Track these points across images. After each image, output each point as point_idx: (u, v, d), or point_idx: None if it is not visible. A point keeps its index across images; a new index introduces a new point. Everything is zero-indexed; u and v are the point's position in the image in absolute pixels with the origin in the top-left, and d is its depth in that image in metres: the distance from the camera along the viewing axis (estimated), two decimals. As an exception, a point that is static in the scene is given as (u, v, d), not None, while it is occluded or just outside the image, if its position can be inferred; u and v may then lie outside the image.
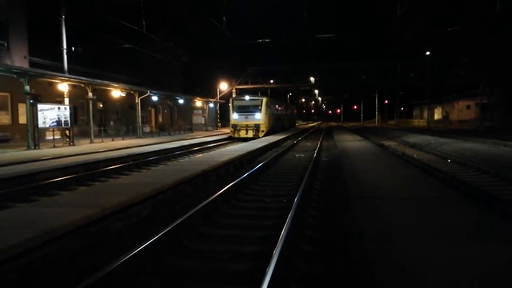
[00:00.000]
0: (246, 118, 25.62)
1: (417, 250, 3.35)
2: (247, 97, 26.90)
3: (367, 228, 4.05)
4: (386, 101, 78.77)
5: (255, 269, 3.80)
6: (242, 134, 25.38)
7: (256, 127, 25.42)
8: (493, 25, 29.11)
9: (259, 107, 25.87)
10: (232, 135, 25.78)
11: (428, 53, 49.07)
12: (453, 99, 57.39)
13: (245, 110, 26.13)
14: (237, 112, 26.21)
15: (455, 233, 3.82)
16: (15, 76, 16.59)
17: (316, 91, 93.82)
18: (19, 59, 23.74)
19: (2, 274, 3.39)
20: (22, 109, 20.57)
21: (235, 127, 25.76)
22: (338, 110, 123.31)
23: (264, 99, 26.52)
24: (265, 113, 26.02)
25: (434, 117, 64.10)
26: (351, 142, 18.88)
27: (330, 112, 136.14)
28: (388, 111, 79.95)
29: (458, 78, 46.61)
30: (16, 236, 3.76)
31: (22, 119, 20.81)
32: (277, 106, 33.24)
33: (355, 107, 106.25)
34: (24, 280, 3.53)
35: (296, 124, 59.20)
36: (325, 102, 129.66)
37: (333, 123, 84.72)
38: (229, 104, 27.06)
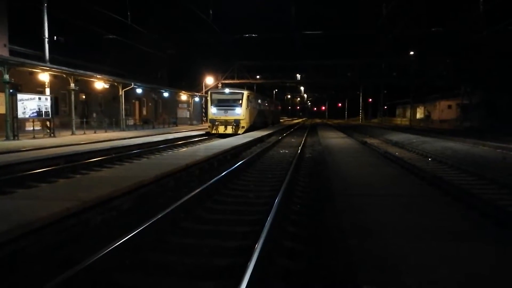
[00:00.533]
0: (226, 112, 23.92)
1: (397, 246, 3.38)
2: (227, 90, 25.17)
3: (349, 224, 4.07)
4: (370, 99, 79.75)
5: (236, 264, 3.78)
6: (221, 130, 23.78)
7: (236, 123, 23.78)
8: (476, 26, 29.71)
9: (240, 101, 24.23)
10: (210, 131, 23.93)
11: (412, 53, 49.79)
12: (435, 99, 58.44)
13: (224, 104, 24.44)
14: (215, 106, 24.49)
15: (435, 230, 3.88)
16: (-7, 64, 16.08)
17: (302, 88, 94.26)
18: (-1, 47, 23.03)
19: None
20: (0, 98, 20.01)
21: (213, 122, 24.05)
22: (323, 107, 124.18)
23: (245, 93, 24.76)
24: (246, 108, 24.43)
25: (416, 116, 65.19)
26: (335, 139, 19.03)
27: (315, 109, 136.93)
28: (372, 109, 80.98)
29: (441, 78, 47.49)
30: (-10, 229, 3.64)
31: (1, 109, 20.24)
32: (259, 101, 31.62)
33: (340, 104, 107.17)
34: (-3, 274, 3.43)
35: (281, 121, 59.06)
36: (310, 99, 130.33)
37: (318, 120, 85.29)
38: (207, 98, 25.37)
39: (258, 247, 3.70)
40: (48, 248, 4.04)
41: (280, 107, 59.65)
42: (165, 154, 13.88)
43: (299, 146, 16.20)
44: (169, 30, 46.55)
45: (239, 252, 4.18)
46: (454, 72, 45.22)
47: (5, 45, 23.70)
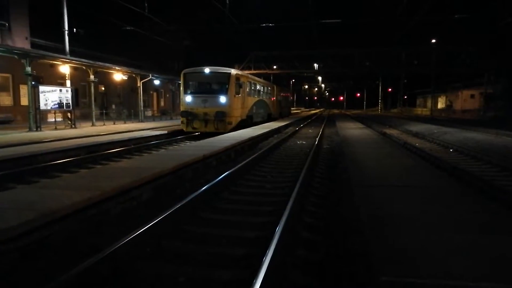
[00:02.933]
0: (205, 102, 17.08)
1: (416, 238, 3.33)
2: (206, 69, 17.68)
3: (367, 216, 4.03)
4: (390, 89, 78.28)
5: (254, 254, 3.80)
6: (198, 126, 17.09)
7: (219, 117, 16.80)
8: (501, 13, 28.65)
9: (225, 85, 17.31)
10: (184, 128, 17.33)
11: (433, 40, 48.46)
12: (457, 88, 56.93)
13: (203, 89, 17.81)
14: (191, 92, 17.63)
15: (455, 223, 3.80)
16: (16, 57, 16.48)
17: (320, 78, 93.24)
18: (21, 40, 23.56)
19: (3, 254, 3.40)
20: (23, 90, 20.57)
21: (187, 116, 17.10)
22: (341, 98, 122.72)
23: (233, 73, 17.91)
24: (235, 95, 17.58)
25: (437, 106, 63.75)
26: (353, 129, 18.80)
27: (333, 99, 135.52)
28: (392, 99, 79.58)
29: (463, 66, 46.14)
30: (16, 218, 3.76)
31: (24, 101, 20.83)
32: (258, 86, 23.65)
33: (358, 94, 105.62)
34: (24, 260, 3.55)
35: (297, 111, 58.22)
36: (328, 89, 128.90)
37: (335, 111, 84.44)
38: (180, 81, 18.64)
39: (275, 237, 3.71)
40: (71, 236, 4.15)
41: (290, 95, 49.62)
42: (182, 145, 14.00)
43: (317, 137, 16.08)
44: (186, 21, 46.57)
45: (257, 242, 4.20)
46: (478, 60, 43.85)
47: (26, 38, 24.23)
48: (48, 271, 3.38)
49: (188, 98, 17.38)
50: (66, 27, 20.25)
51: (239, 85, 18.10)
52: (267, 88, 27.40)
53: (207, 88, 17.86)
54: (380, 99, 72.98)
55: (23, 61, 16.27)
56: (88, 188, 5.09)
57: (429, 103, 60.11)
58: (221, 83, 17.61)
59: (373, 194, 4.99)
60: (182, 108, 17.68)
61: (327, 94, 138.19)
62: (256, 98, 22.66)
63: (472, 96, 53.23)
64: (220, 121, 16.92)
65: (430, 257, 2.93)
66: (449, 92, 60.44)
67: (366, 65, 50.94)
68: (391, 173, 6.61)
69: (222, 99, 17.16)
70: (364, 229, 3.64)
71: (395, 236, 3.38)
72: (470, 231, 3.53)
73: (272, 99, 29.43)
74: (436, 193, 5.11)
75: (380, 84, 70.51)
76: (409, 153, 10.30)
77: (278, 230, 3.93)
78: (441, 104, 64.90)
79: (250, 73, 42.26)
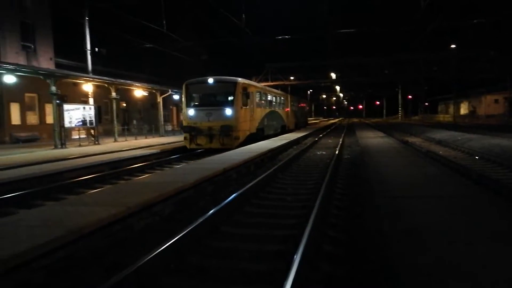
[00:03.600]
0: (209, 115, 15.65)
1: (443, 252, 3.24)
2: (210, 79, 16.36)
3: (390, 228, 3.96)
4: (410, 96, 77.11)
5: (276, 269, 3.77)
6: (203, 142, 15.63)
7: (225, 131, 15.33)
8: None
9: (231, 96, 15.97)
10: (187, 145, 15.86)
11: (453, 46, 47.67)
12: (480, 93, 55.63)
13: (206, 101, 16.53)
14: (194, 105, 16.31)
15: (483, 234, 3.68)
16: (41, 77, 17.11)
17: (337, 87, 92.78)
18: (46, 61, 24.49)
19: (33, 272, 3.49)
20: (49, 109, 21.26)
21: (190, 131, 15.66)
22: (360, 106, 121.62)
23: (240, 82, 16.49)
24: (241, 107, 16.12)
25: (460, 112, 62.33)
26: (374, 138, 18.57)
27: (351, 108, 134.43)
28: (412, 106, 78.33)
29: (485, 71, 45.10)
30: (45, 235, 3.86)
31: (49, 119, 21.51)
32: (269, 96, 22.29)
33: (378, 102, 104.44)
34: (52, 277, 3.62)
35: (315, 121, 57.72)
36: (346, 98, 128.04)
37: (355, 120, 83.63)
38: (182, 94, 17.05)
39: (298, 252, 3.67)
40: (97, 252, 4.23)
41: (306, 105, 46.37)
42: (203, 159, 14.11)
43: (337, 147, 15.95)
44: (203, 36, 47.44)
45: (279, 256, 4.17)
46: (499, 65, 42.80)
47: (51, 59, 25.17)
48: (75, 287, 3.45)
49: (191, 112, 16.02)
50: (89, 47, 20.95)
51: (247, 96, 16.61)
52: (280, 98, 25.92)
53: (211, 100, 16.59)
54: (400, 107, 71.95)
55: (48, 81, 16.87)
56: (113, 204, 5.19)
57: (451, 109, 58.91)
58: (227, 94, 16.25)
59: (396, 205, 4.89)
60: (184, 123, 16.21)
61: (346, 103, 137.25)
62: (267, 109, 21.23)
63: (496, 101, 51.88)
64: (226, 136, 15.42)
65: (458, 270, 2.84)
66: (472, 97, 59.11)
67: (384, 73, 50.45)
68: (415, 183, 6.48)
69: (228, 111, 15.68)
70: (389, 242, 3.57)
71: (421, 250, 3.30)
72: (505, 243, 3.41)
73: (286, 109, 27.95)
74: (463, 203, 4.97)
75: (399, 92, 69.57)
76: (432, 162, 10.07)
77: (301, 244, 3.89)
78: (464, 110, 63.47)
79: (267, 85, 40.11)
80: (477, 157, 12.48)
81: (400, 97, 70.34)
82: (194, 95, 16.80)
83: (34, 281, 3.46)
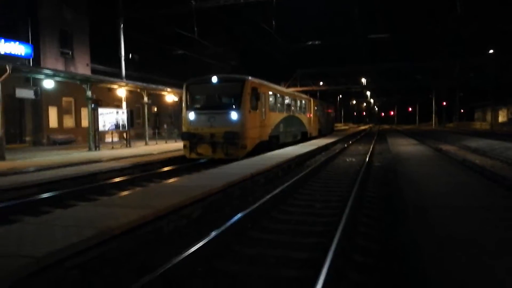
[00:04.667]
0: (212, 120, 13.52)
1: (483, 267, 3.08)
2: (214, 78, 14.15)
3: (425, 240, 3.80)
4: (444, 103, 74.57)
5: (304, 277, 3.71)
6: (204, 151, 13.59)
7: (229, 139, 13.15)
8: None
9: (238, 97, 13.76)
10: (186, 155, 13.91)
11: (491, 51, 45.78)
12: (520, 100, 53.05)
13: (209, 104, 14.65)
14: (195, 108, 14.21)
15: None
16: (78, 82, 17.81)
17: (368, 93, 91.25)
18: (82, 67, 25.48)
19: (67, 270, 3.60)
20: (84, 113, 22.07)
21: (191, 138, 13.68)
22: (392, 112, 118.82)
23: (248, 81, 14.11)
24: (250, 110, 13.87)
25: (498, 119, 59.64)
26: (406, 146, 18.06)
27: (382, 114, 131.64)
28: (446, 113, 75.63)
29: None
30: (78, 235, 3.98)
31: (84, 123, 22.30)
32: (287, 99, 19.79)
33: (410, 109, 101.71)
34: (84, 276, 3.72)
35: (344, 128, 56.60)
36: (377, 104, 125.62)
37: (386, 126, 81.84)
38: (182, 94, 15.01)
39: (327, 261, 3.60)
40: (127, 253, 4.30)
41: (332, 111, 41.70)
42: (230, 164, 14.17)
43: (367, 154, 15.62)
44: (233, 42, 47.94)
45: (307, 264, 4.10)
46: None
47: (87, 65, 26.17)
48: (106, 287, 3.52)
49: (192, 116, 13.87)
50: (123, 53, 21.65)
51: (257, 97, 14.36)
52: (301, 101, 23.48)
53: (214, 103, 14.70)
54: (434, 114, 69.68)
55: (84, 86, 17.53)
56: (143, 206, 5.29)
57: (488, 117, 56.47)
58: (232, 95, 14.21)
59: (430, 216, 4.71)
60: (184, 129, 14.06)
61: (377, 109, 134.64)
62: (284, 114, 18.78)
63: (538, 108, 49.26)
64: (231, 145, 13.19)
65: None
66: (511, 104, 56.44)
67: (418, 79, 49.11)
68: (450, 193, 6.23)
69: (233, 115, 13.44)
70: (421, 256, 3.44)
71: (457, 265, 3.15)
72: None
73: (309, 115, 25.48)
74: (500, 214, 4.73)
75: (433, 98, 67.45)
76: (468, 171, 9.67)
77: (330, 252, 3.81)
78: (502, 117, 60.67)
79: (297, 91, 37.93)
80: (517, 167, 11.87)
81: (434, 103, 68.17)
82: (195, 96, 14.73)
83: (67, 279, 3.56)
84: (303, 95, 26.65)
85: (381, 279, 3.70)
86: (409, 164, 10.32)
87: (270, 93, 16.83)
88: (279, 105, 18.25)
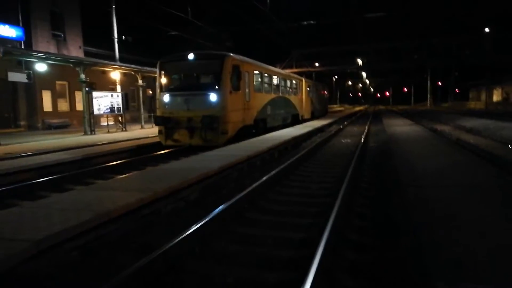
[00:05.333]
0: (188, 102, 12.32)
1: (474, 245, 3.15)
2: (190, 55, 12.76)
3: (419, 218, 3.87)
4: (440, 83, 74.51)
5: (300, 256, 3.78)
6: (181, 137, 12.48)
7: (208, 123, 11.91)
8: None
9: (217, 77, 12.42)
10: (162, 141, 12.77)
11: (487, 29, 45.49)
12: (515, 79, 53.10)
13: (186, 85, 13.47)
14: (169, 89, 13.00)
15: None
16: (71, 65, 17.58)
17: (364, 74, 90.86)
18: (75, 49, 25.09)
19: (66, 252, 3.65)
20: (78, 96, 21.89)
21: (166, 123, 12.48)
22: (387, 93, 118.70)
23: (229, 58, 12.70)
24: (231, 91, 12.49)
25: (493, 99, 59.79)
26: (401, 126, 18.14)
27: (378, 95, 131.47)
28: (442, 93, 75.68)
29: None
30: (76, 218, 4.01)
31: (79, 106, 22.16)
32: (275, 79, 18.22)
33: (405, 89, 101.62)
34: (84, 257, 3.77)
35: (340, 109, 56.51)
36: (373, 85, 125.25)
37: (381, 107, 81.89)
38: (156, 73, 13.41)
39: (322, 240, 3.66)
40: (126, 236, 4.36)
41: (325, 92, 39.13)
42: (229, 146, 14.19)
43: (362, 135, 15.69)
44: (227, 23, 47.31)
45: (303, 244, 4.17)
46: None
47: (80, 47, 25.77)
48: (106, 268, 3.57)
49: (166, 98, 12.60)
50: (116, 35, 21.27)
51: (239, 76, 12.87)
52: (291, 81, 21.81)
53: (191, 83, 13.46)
54: (429, 94, 69.68)
55: (77, 69, 17.31)
56: (140, 189, 5.32)
57: (483, 96, 56.66)
58: (211, 74, 12.93)
59: (425, 195, 4.78)
60: (158, 112, 12.88)
61: (372, 90, 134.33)
62: (271, 95, 17.29)
63: (533, 87, 49.40)
64: (210, 130, 12.01)
65: (490, 267, 2.76)
66: (505, 84, 56.49)
67: (414, 58, 48.91)
68: (445, 172, 6.30)
69: (212, 97, 12.12)
70: (418, 231, 3.51)
71: (450, 240, 3.22)
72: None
73: (300, 96, 24.13)
74: (495, 192, 4.81)
75: (428, 78, 67.31)
76: (462, 150, 9.76)
77: (326, 232, 3.88)
78: (496, 97, 60.82)
79: (292, 72, 36.58)
80: (510, 146, 11.99)
81: (429, 83, 68.06)
82: (170, 76, 13.48)
83: (67, 260, 3.61)
84: (294, 75, 24.92)
85: (374, 260, 3.78)
86: (404, 145, 10.39)
87: (256, 72, 15.39)
88: (266, 85, 16.73)
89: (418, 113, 41.33)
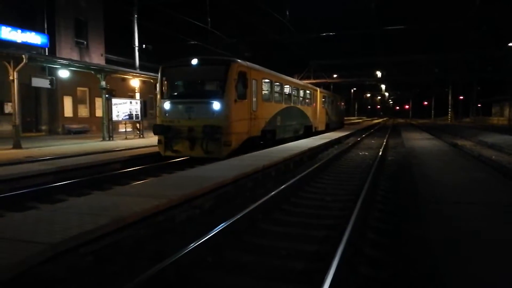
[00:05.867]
0: (190, 111, 11.54)
1: (496, 269, 3.03)
2: (194, 61, 11.93)
3: (438, 237, 3.75)
4: (461, 97, 73.04)
5: (314, 270, 3.71)
6: (181, 147, 11.68)
7: (209, 133, 11.11)
8: None
9: (222, 83, 11.67)
10: (161, 152, 11.99)
11: (511, 44, 44.51)
12: (540, 95, 51.59)
13: (188, 91, 12.80)
14: (170, 96, 12.26)
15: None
16: (93, 72, 17.98)
17: (383, 86, 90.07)
18: (97, 57, 25.70)
19: (82, 256, 3.67)
20: (98, 103, 22.32)
21: (165, 132, 11.67)
22: (407, 106, 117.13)
23: (235, 64, 11.88)
24: (236, 99, 11.66)
25: (516, 114, 58.16)
26: (420, 140, 17.82)
27: (397, 108, 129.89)
28: (463, 108, 74.11)
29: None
30: (92, 222, 4.05)
31: (98, 113, 22.58)
32: (286, 88, 17.45)
33: (426, 103, 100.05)
34: (98, 262, 3.78)
35: (358, 121, 55.87)
36: (392, 97, 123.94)
37: (400, 120, 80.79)
38: (158, 79, 12.88)
39: (337, 254, 3.58)
40: (140, 242, 4.37)
41: (342, 103, 37.51)
42: (244, 155, 14.18)
43: (380, 148, 15.47)
44: (246, 34, 47.70)
45: (317, 257, 4.10)
46: None
47: (101, 55, 26.38)
48: (119, 274, 3.58)
49: (167, 105, 11.86)
50: (137, 44, 21.72)
51: (245, 84, 12.07)
52: (304, 91, 20.78)
53: (194, 90, 12.79)
54: (450, 108, 68.38)
55: (98, 76, 17.70)
56: (156, 196, 5.34)
57: (506, 112, 55.14)
58: (215, 81, 12.29)
59: (445, 212, 4.65)
60: (158, 121, 12.14)
61: (391, 102, 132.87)
62: (282, 105, 16.37)
63: (558, 103, 47.94)
64: (212, 141, 11.20)
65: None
66: (530, 99, 54.94)
67: (434, 72, 48.21)
68: (466, 189, 6.13)
69: (215, 105, 11.33)
70: (436, 251, 3.40)
71: (470, 260, 3.11)
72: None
73: (314, 106, 23.04)
74: (518, 212, 4.63)
75: (450, 92, 66.12)
76: (484, 166, 9.50)
77: (341, 245, 3.80)
78: (520, 112, 59.16)
79: (310, 83, 35.77)
80: (535, 164, 11.61)
81: (450, 97, 66.84)
82: (172, 82, 12.70)
83: (81, 265, 3.63)
84: (308, 85, 24.17)
85: (392, 276, 3.67)
86: (423, 159, 10.19)
87: (266, 80, 14.59)
88: (276, 94, 15.85)
89: (438, 127, 40.59)
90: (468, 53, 44.07)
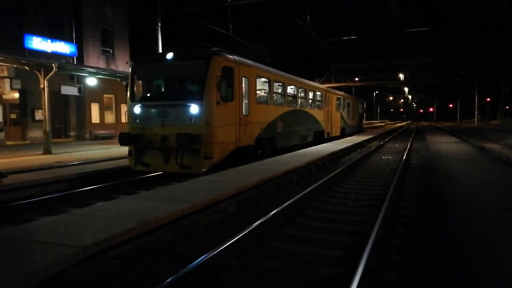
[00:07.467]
0: (164, 116, 9.42)
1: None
2: (169, 55, 9.93)
3: (468, 243, 3.68)
4: (488, 99, 70.88)
5: (339, 275, 3.70)
6: (153, 160, 9.64)
7: (185, 143, 8.95)
8: None
9: (202, 81, 9.41)
10: (132, 165, 9.90)
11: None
12: None
13: (162, 92, 10.84)
14: (141, 99, 10.24)
15: None
16: (118, 79, 18.48)
17: (406, 89, 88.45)
18: (122, 64, 26.39)
19: (111, 259, 3.79)
20: (124, 109, 22.89)
21: (136, 142, 9.59)
22: (431, 109, 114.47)
23: (216, 58, 9.60)
24: (218, 101, 9.48)
25: (548, 116, 55.91)
26: (446, 144, 17.41)
27: (421, 111, 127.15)
28: (490, 110, 71.89)
29: None
30: (120, 226, 4.17)
31: (124, 119, 23.13)
32: (289, 88, 15.12)
33: (451, 105, 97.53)
34: (125, 265, 3.90)
35: (381, 124, 54.64)
36: (415, 100, 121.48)
37: (424, 123, 79.04)
38: (129, 78, 10.71)
39: (362, 259, 3.57)
40: (165, 245, 4.47)
41: (360, 105, 33.99)
42: (266, 160, 14.18)
43: (404, 151, 15.19)
44: (267, 38, 47.96)
45: (342, 263, 4.08)
46: None
47: (127, 62, 27.06)
48: (144, 277, 3.67)
49: (137, 110, 9.81)
50: (160, 51, 22.15)
51: (231, 82, 10.15)
52: (314, 92, 18.33)
53: (169, 91, 10.59)
54: (477, 110, 66.45)
55: (124, 83, 18.15)
56: (180, 200, 5.45)
57: (537, 114, 53.10)
58: (193, 80, 10.12)
59: (472, 217, 4.54)
60: (128, 128, 10.03)
61: (415, 105, 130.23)
62: (284, 108, 14.11)
63: None
64: (189, 152, 9.15)
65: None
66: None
67: (460, 74, 46.99)
68: (495, 193, 5.96)
69: (193, 109, 9.22)
70: (465, 257, 3.34)
71: (500, 267, 3.04)
72: None
73: (326, 109, 20.41)
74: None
75: (476, 94, 64.28)
76: (514, 171, 9.19)
77: (366, 251, 3.77)
78: (552, 114, 56.86)
79: (331, 86, 33.09)
80: None
81: (476, 99, 64.96)
82: (145, 82, 10.63)
83: (109, 268, 3.75)
84: (319, 85, 21.74)
85: (419, 283, 3.62)
86: (449, 163, 9.96)
87: (262, 78, 12.42)
88: (276, 95, 13.62)
89: (464, 130, 39.50)
90: (495, 55, 42.76)
